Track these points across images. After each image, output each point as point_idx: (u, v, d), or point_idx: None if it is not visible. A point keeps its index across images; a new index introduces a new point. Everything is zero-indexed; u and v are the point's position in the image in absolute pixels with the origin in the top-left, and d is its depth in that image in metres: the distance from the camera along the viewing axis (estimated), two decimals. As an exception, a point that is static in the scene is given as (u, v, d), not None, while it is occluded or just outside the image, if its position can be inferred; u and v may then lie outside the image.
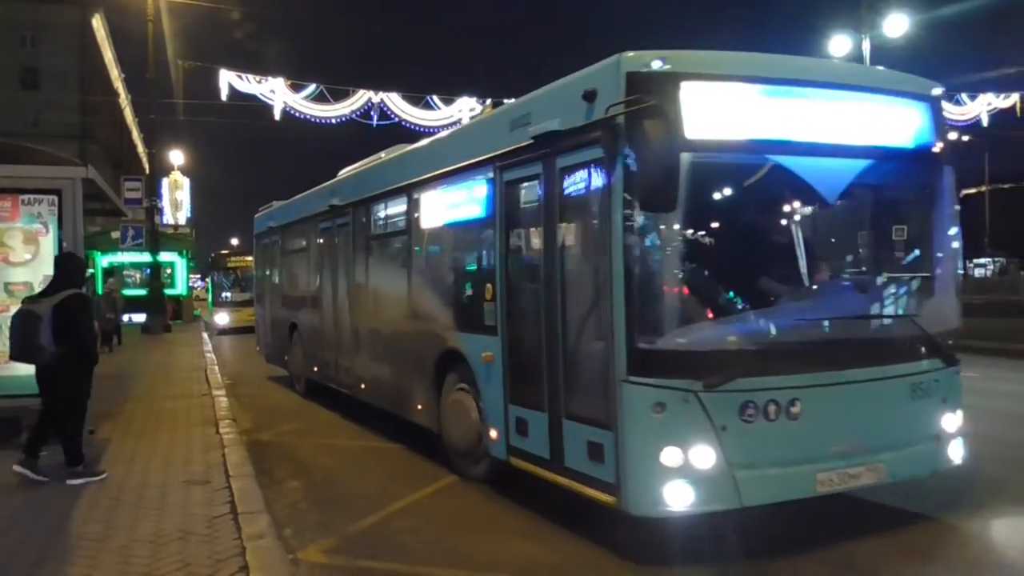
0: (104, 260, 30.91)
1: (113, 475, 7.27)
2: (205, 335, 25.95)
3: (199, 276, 59.67)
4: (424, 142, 9.31)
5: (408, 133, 36.15)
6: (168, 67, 31.55)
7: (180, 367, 16.60)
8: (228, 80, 34.11)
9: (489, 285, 6.99)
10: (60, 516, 6.10)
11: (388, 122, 42.59)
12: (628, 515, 5.32)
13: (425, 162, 8.63)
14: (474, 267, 7.63)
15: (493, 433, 6.97)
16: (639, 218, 5.11)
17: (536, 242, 6.40)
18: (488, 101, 42.31)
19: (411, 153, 9.57)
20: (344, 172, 12.05)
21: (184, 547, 5.33)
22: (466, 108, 40.83)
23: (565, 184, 5.96)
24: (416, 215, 8.83)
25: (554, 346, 5.99)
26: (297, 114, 37.99)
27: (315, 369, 12.40)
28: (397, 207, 9.46)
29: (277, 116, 36.94)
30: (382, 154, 10.55)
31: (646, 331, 5.13)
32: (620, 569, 5.40)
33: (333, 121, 40.91)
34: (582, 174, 5.75)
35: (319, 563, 5.57)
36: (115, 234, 26.00)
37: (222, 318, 29.67)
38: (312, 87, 38.00)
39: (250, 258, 32.38)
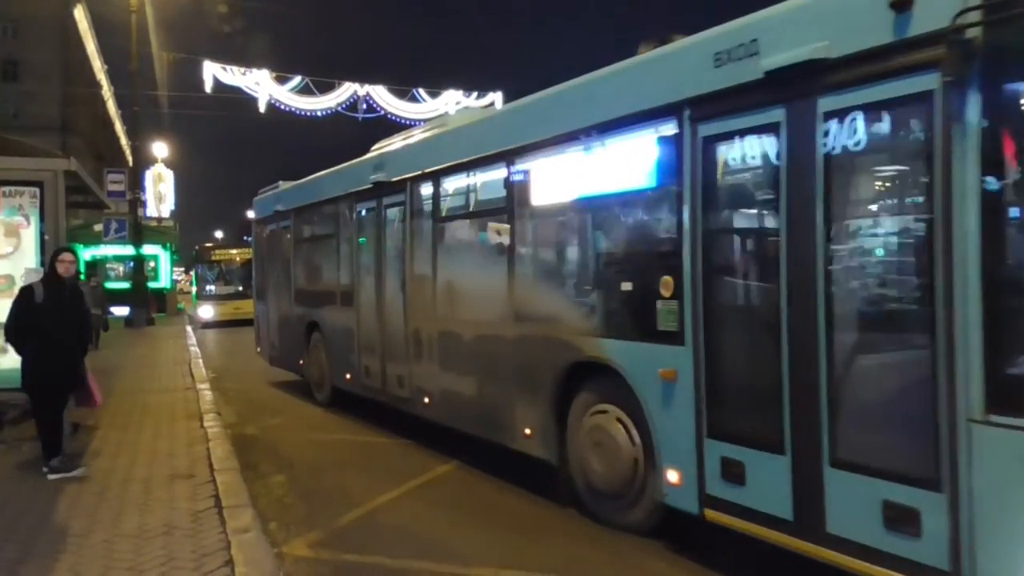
0: (86, 253, 30.67)
1: (97, 469, 7.22)
2: (189, 328, 25.80)
3: (183, 269, 59.27)
4: (540, 96, 6.97)
5: (394, 126, 36.24)
6: (152, 59, 31.39)
7: (164, 361, 16.48)
8: (212, 72, 34.03)
9: (667, 278, 5.30)
10: (43, 512, 6.04)
11: (374, 115, 42.55)
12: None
13: (543, 120, 6.73)
14: (638, 254, 5.85)
15: (672, 476, 5.32)
16: (1013, 189, 3.58)
17: (770, 220, 4.77)
18: (474, 94, 42.64)
19: (519, 110, 7.59)
20: (386, 145, 10.08)
21: (168, 541, 5.29)
22: (452, 101, 40.92)
23: (836, 137, 4.24)
24: (525, 188, 6.88)
25: (808, 363, 4.35)
26: (282, 106, 37.96)
27: (347, 377, 10.35)
28: (489, 179, 7.52)
29: (262, 109, 36.90)
30: (434, 127, 9.08)
31: (1019, 351, 3.61)
32: (615, 565, 5.37)
33: (319, 114, 40.72)
34: (875, 120, 4.11)
35: (304, 557, 5.54)
36: (98, 227, 25.83)
37: (206, 311, 29.51)
38: (297, 79, 38.03)
39: (236, 251, 32.44)
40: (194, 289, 31.84)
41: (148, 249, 30.11)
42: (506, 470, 7.37)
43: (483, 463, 7.77)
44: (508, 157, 7.03)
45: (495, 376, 7.27)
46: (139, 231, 26.18)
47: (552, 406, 6.44)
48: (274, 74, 37.34)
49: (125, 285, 28.47)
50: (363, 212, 10.02)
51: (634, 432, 5.66)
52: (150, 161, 44.19)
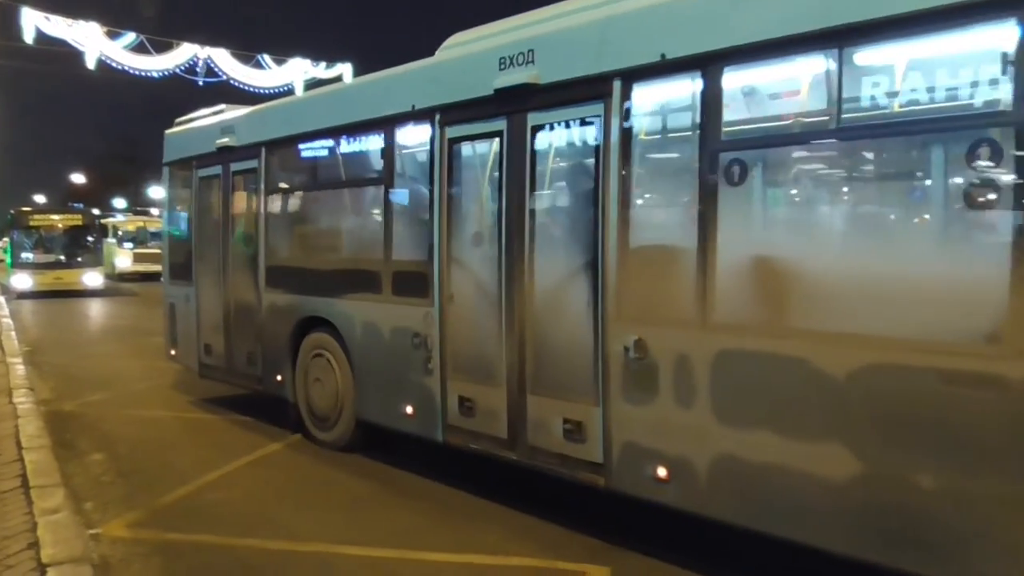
0: None
1: None
2: (2, 299, 23.84)
3: (-2, 236, 54.56)
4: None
5: (236, 93, 34.79)
6: (-40, 2, 28.55)
7: (-30, 333, 15.13)
8: (34, 21, 31.33)
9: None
10: None
11: (215, 79, 40.66)
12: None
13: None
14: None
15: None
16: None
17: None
18: (322, 64, 41.57)
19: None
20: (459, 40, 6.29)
21: (-36, 524, 4.89)
22: (299, 71, 39.69)
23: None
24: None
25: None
26: (114, 64, 35.57)
27: (406, 411, 6.27)
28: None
29: (91, 65, 34.43)
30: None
31: None
32: (440, 537, 5.35)
33: (155, 75, 38.51)
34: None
35: (122, 537, 5.25)
36: None
37: (23, 281, 27.30)
38: (131, 36, 35.77)
39: (58, 216, 30.33)
40: (8, 257, 29.35)
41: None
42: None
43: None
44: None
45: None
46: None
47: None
48: (105, 28, 34.95)
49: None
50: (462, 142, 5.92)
51: None
52: (-42, 117, 40.37)
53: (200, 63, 40.58)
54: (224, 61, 40.46)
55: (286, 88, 36.37)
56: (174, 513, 5.75)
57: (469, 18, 6.36)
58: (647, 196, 4.92)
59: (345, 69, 41.49)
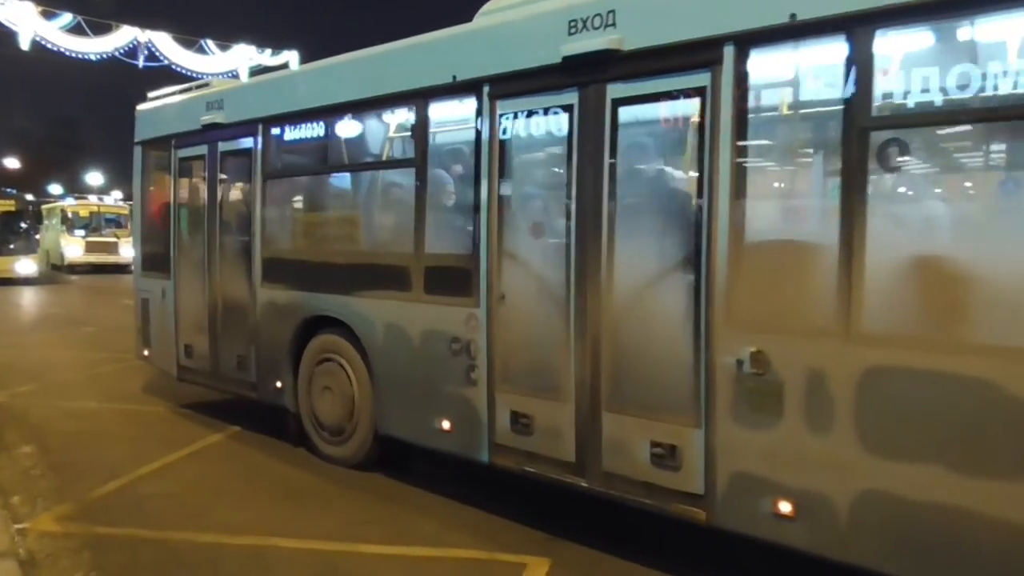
0: None
1: None
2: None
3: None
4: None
5: (178, 79, 33.38)
6: None
7: None
8: (-37, -3, 29.43)
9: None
10: None
11: (156, 64, 39.11)
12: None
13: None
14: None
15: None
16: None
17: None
18: (268, 51, 40.31)
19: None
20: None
21: None
22: (244, 57, 38.37)
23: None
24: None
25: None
26: (50, 46, 33.75)
27: (442, 426, 5.44)
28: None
29: (25, 47, 32.59)
30: None
31: None
32: (378, 528, 5.16)
33: (92, 58, 36.87)
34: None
35: (50, 532, 5.04)
36: None
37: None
38: (67, 17, 33.96)
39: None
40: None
41: None
42: (284, 438, 7.05)
43: (262, 431, 7.36)
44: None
45: None
46: None
47: None
48: (40, 8, 33.09)
49: None
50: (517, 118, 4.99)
51: None
52: None
53: (140, 47, 39.10)
54: (165, 45, 39.01)
55: (231, 75, 35.09)
56: (106, 507, 5.54)
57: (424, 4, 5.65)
58: (770, 183, 4.16)
59: (292, 56, 40.32)
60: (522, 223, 5.03)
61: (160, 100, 8.53)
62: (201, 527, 5.11)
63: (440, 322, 5.39)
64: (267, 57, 40.09)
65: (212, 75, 32.46)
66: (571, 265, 4.64)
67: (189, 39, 38.71)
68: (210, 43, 39.10)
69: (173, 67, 38.60)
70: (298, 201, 7.01)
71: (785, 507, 3.81)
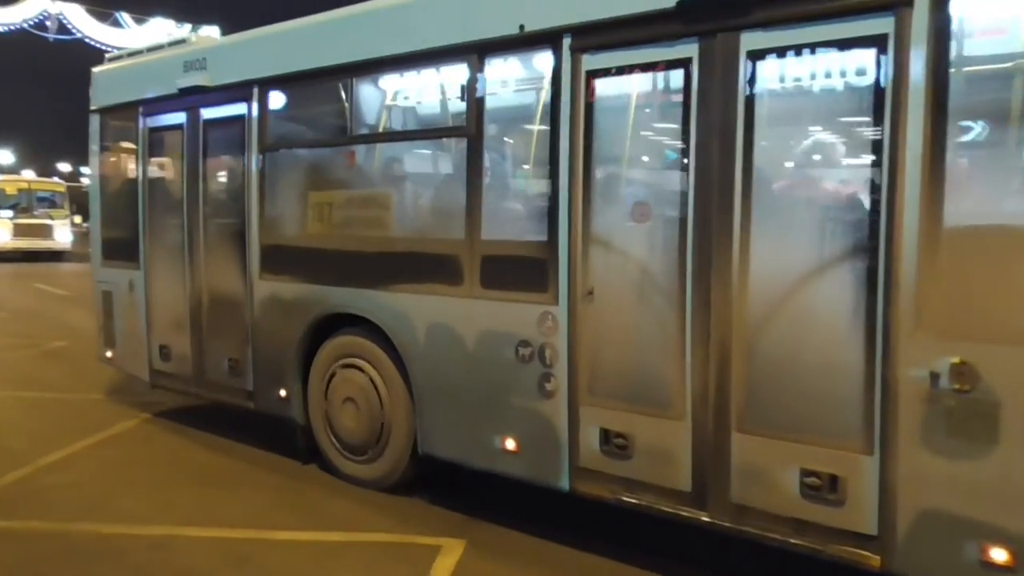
0: None
1: None
2: None
3: None
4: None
5: (92, 53, 31.56)
6: None
7: None
8: None
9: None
10: None
11: (68, 37, 37.15)
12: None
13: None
14: None
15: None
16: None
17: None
18: (188, 26, 38.41)
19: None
20: None
21: None
22: (162, 31, 36.47)
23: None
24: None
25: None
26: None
27: (507, 445, 4.57)
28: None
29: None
30: None
31: None
32: (293, 514, 5.02)
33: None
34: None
35: None
36: None
37: None
38: (-29, -14, 31.82)
39: None
40: None
41: None
42: (203, 422, 6.89)
43: (178, 417, 7.18)
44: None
45: None
46: None
47: None
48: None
49: None
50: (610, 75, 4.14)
51: None
52: None
53: (51, 18, 37.26)
54: (78, 17, 37.19)
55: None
56: (5, 499, 5.30)
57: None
58: (979, 153, 3.36)
59: (213, 32, 38.52)
60: (619, 204, 4.13)
61: (122, 61, 7.32)
62: (106, 518, 4.93)
63: (503, 322, 4.50)
64: (187, 32, 38.24)
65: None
66: (690, 254, 3.79)
67: (103, 11, 37.19)
68: (126, 16, 37.67)
69: (86, 40, 36.94)
70: (309, 178, 5.89)
71: (999, 555, 3.07)
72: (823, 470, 3.49)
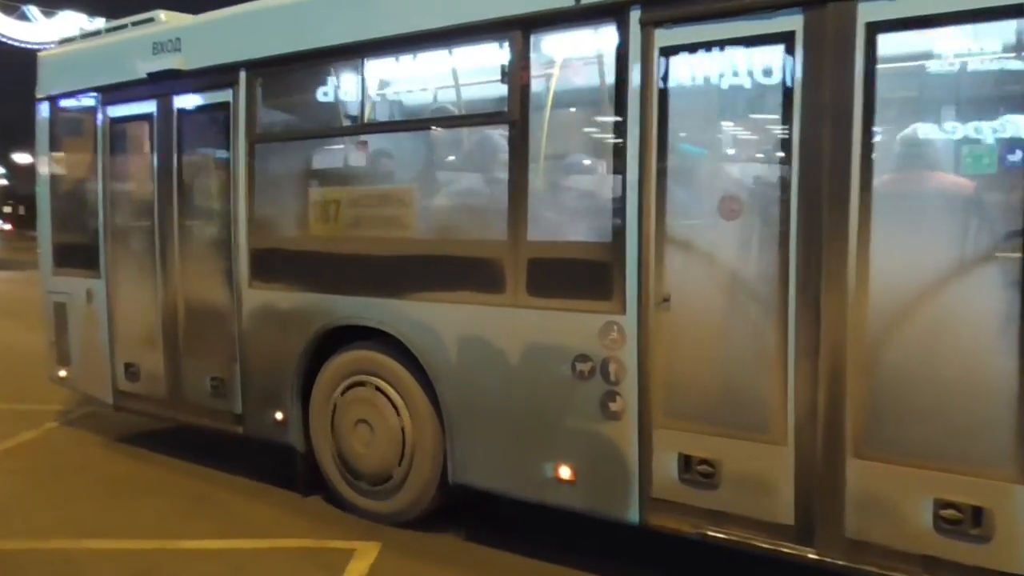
0: None
1: None
2: None
3: None
4: None
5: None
6: None
7: None
8: None
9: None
10: None
11: (-29, 32, 35.32)
12: None
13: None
14: None
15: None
16: None
17: None
18: (100, 19, 36.80)
19: None
20: None
21: None
22: (74, 25, 34.82)
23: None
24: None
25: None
26: None
27: (561, 474, 4.01)
28: None
29: None
30: None
31: None
32: (204, 522, 4.89)
33: None
34: None
35: None
36: None
37: None
38: None
39: None
40: None
41: None
42: (115, 430, 6.65)
43: (89, 425, 6.94)
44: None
45: None
46: None
47: None
48: None
49: None
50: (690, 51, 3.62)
51: None
52: None
53: None
54: None
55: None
56: None
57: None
58: None
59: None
60: (703, 200, 3.63)
61: (76, 44, 6.48)
62: (5, 533, 4.73)
63: (555, 334, 3.95)
64: (100, 24, 36.70)
65: (36, 44, 29.30)
66: (794, 254, 3.31)
67: (10, 4, 35.33)
68: (34, 10, 35.94)
69: (-9, 36, 35.14)
70: (311, 173, 5.20)
71: None
72: (963, 501, 3.05)
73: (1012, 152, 2.95)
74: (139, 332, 5.90)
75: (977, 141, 3.07)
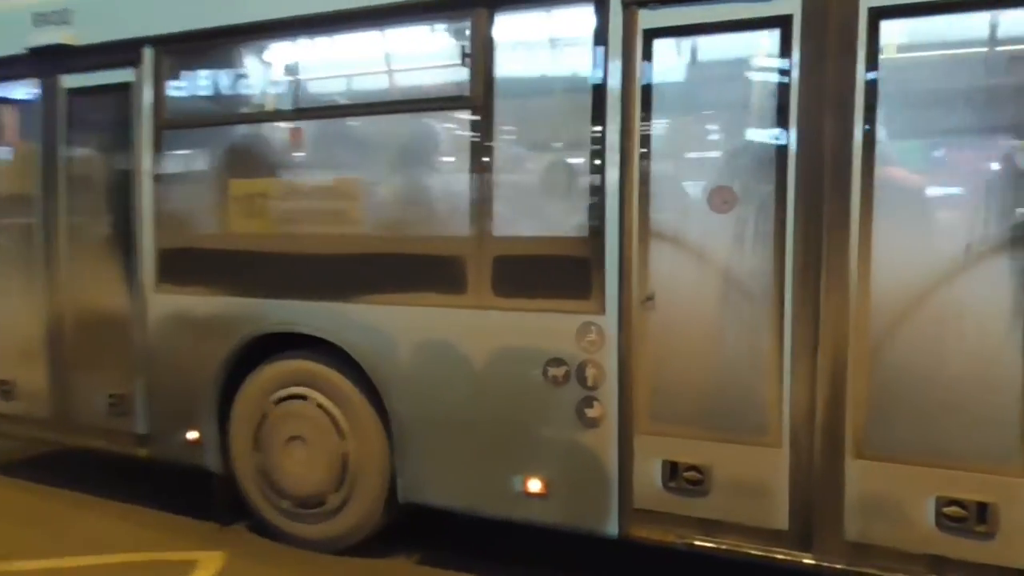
0: None
1: None
2: None
3: None
4: None
5: None
6: None
7: None
8: None
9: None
10: None
11: None
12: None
13: None
14: None
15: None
16: None
17: None
18: None
19: None
20: None
21: None
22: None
23: None
24: None
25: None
26: None
27: (530, 487, 3.73)
28: None
29: None
30: None
31: None
32: (28, 542, 4.49)
33: None
34: None
35: None
36: None
37: None
38: None
39: None
40: None
41: None
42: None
43: None
44: None
45: None
46: None
47: None
48: None
49: None
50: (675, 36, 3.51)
51: None
52: None
53: None
54: None
55: None
56: None
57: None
58: None
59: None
60: (690, 191, 3.46)
61: None
62: None
63: (524, 337, 3.67)
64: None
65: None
66: (790, 249, 3.18)
67: None
68: None
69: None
70: (232, 162, 4.64)
71: None
72: (968, 498, 3.00)
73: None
74: (14, 344, 5.16)
75: (983, 130, 3.06)
